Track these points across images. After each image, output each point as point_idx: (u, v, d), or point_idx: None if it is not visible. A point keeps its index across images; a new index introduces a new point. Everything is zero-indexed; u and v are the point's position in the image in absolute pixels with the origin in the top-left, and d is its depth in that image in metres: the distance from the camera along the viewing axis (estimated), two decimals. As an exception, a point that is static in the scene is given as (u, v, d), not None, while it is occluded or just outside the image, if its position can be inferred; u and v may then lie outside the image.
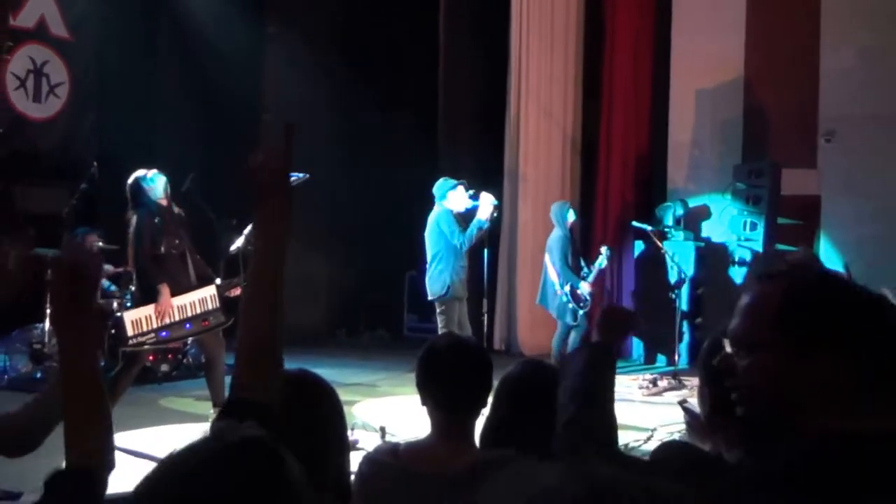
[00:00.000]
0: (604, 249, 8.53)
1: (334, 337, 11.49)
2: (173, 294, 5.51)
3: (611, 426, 1.79)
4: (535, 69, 10.88)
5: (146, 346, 5.53)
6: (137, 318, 5.44)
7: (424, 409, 2.39)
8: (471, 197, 7.31)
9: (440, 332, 6.78)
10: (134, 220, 5.64)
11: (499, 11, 10.95)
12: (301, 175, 5.85)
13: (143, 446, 5.00)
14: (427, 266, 7.31)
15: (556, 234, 8.19)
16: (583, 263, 8.29)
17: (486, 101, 11.30)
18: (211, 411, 5.57)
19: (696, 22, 10.81)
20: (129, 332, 5.39)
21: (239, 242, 5.91)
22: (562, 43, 11.01)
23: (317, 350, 9.51)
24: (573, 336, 8.06)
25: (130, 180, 5.73)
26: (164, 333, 5.49)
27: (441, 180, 7.48)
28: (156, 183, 5.72)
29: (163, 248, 5.55)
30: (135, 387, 5.07)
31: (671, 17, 11.02)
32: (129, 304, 6.52)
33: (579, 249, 8.54)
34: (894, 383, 1.30)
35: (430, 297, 7.25)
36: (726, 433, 1.87)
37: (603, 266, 8.43)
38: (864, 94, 9.90)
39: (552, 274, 8.10)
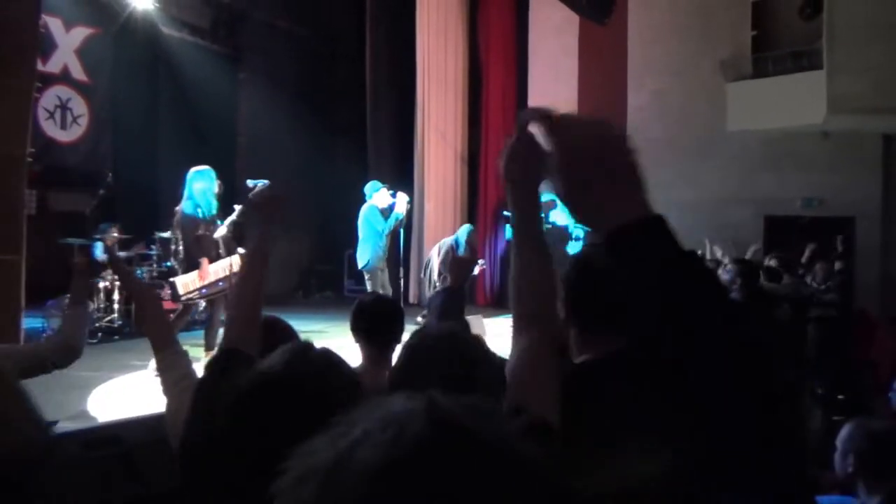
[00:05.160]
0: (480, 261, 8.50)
1: (294, 297, 11.29)
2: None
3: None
4: (434, 105, 10.87)
5: (194, 299, 5.49)
6: (185, 282, 5.38)
7: (357, 345, 2.38)
8: (391, 195, 7.27)
9: (369, 291, 6.76)
10: (180, 215, 5.55)
11: (408, 64, 10.89)
12: (263, 182, 5.68)
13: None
14: (357, 245, 7.25)
15: (447, 241, 8.11)
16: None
17: (401, 127, 11.25)
18: (202, 355, 5.40)
19: (545, 73, 10.98)
20: (181, 291, 5.34)
21: (222, 231, 5.71)
22: (452, 87, 11.03)
23: (282, 307, 9.24)
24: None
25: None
26: (204, 290, 5.44)
27: (370, 183, 7.39)
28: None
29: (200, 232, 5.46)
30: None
31: (527, 69, 11.17)
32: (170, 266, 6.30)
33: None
34: None
35: (359, 268, 7.19)
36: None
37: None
38: (653, 123, 10.23)
39: (438, 267, 8.01)
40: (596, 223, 0.77)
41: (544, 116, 0.82)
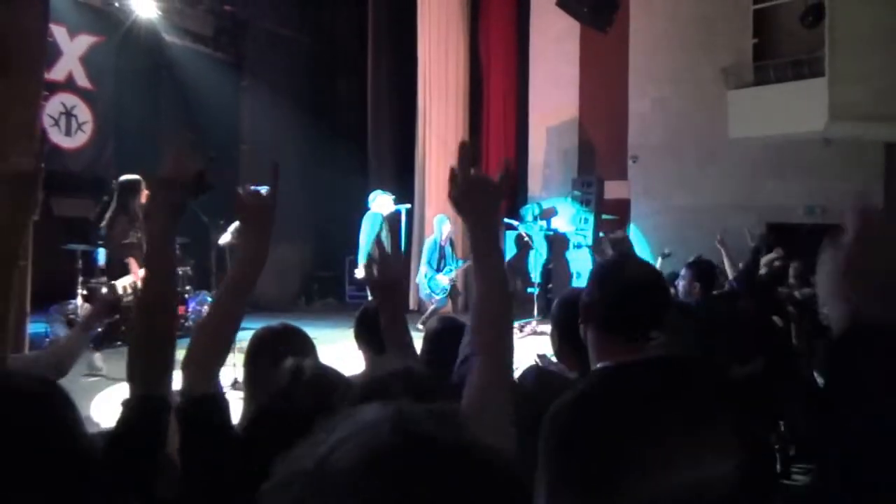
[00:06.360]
0: None
1: (296, 304, 11.30)
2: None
3: None
4: (435, 112, 10.91)
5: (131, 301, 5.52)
6: (124, 285, 5.52)
7: (360, 352, 2.40)
8: (395, 203, 7.29)
9: (370, 298, 6.75)
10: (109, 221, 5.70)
11: (410, 71, 10.95)
12: (266, 188, 5.72)
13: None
14: (357, 252, 7.26)
15: (428, 240, 8.21)
16: (452, 261, 8.07)
17: (402, 135, 11.30)
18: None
19: (546, 80, 11.03)
20: (120, 293, 5.46)
21: (226, 237, 5.75)
22: (454, 94, 11.07)
23: (284, 314, 9.29)
24: (431, 308, 7.96)
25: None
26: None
27: (373, 193, 7.41)
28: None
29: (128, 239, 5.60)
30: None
31: (528, 76, 11.22)
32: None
33: (445, 251, 8.18)
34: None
35: (358, 276, 7.20)
36: (569, 361, 1.98)
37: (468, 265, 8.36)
38: (655, 130, 10.28)
39: (422, 266, 8.11)
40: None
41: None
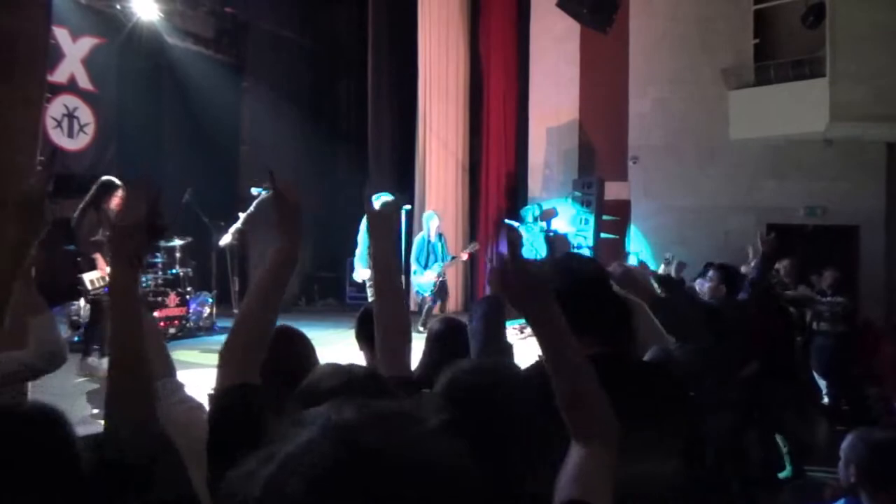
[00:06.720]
0: (469, 248, 8.50)
1: (297, 305, 11.32)
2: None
3: (505, 350, 1.81)
4: (435, 113, 10.93)
5: (101, 295, 5.62)
6: (91, 279, 5.62)
7: (361, 353, 2.42)
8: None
9: (370, 300, 6.78)
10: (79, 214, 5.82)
11: (410, 72, 10.98)
12: (268, 190, 5.77)
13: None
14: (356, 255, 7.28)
15: (417, 237, 8.19)
16: (443, 257, 7.99)
17: (402, 136, 11.33)
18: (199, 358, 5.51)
19: (546, 81, 11.04)
20: (89, 288, 5.60)
21: (226, 239, 5.79)
22: (454, 95, 11.10)
23: (284, 315, 9.24)
24: (426, 309, 7.85)
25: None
26: (106, 289, 5.54)
27: (378, 194, 7.40)
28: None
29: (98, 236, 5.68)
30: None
31: (528, 76, 11.23)
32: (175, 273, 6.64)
33: (433, 247, 8.14)
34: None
35: (359, 279, 7.17)
36: None
37: (463, 258, 8.30)
38: (655, 131, 10.28)
39: (412, 264, 8.07)
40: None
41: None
